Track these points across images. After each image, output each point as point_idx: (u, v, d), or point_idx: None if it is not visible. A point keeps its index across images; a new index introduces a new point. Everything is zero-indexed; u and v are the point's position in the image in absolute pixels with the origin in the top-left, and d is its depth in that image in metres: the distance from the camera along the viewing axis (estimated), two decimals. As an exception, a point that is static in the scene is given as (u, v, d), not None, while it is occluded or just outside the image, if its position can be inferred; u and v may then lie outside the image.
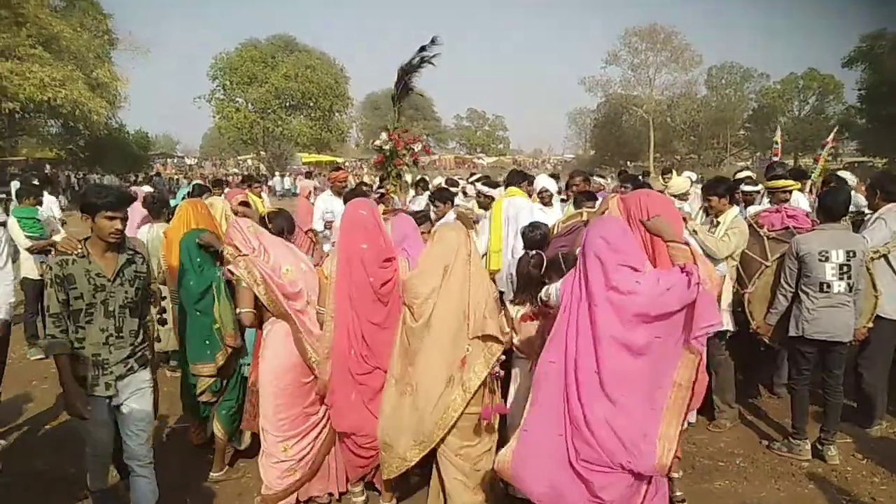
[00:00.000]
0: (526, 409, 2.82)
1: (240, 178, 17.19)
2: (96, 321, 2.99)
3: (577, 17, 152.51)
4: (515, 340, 3.56)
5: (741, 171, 8.15)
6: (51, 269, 2.94)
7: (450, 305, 3.27)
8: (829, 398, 4.35)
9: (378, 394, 3.52)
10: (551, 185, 6.25)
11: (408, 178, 7.92)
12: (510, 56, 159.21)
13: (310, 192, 9.73)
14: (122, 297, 3.04)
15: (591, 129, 62.64)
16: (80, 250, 2.97)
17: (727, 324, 4.54)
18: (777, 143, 9.68)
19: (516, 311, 3.65)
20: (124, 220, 3.01)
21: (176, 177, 36.40)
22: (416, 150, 7.51)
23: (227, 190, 8.08)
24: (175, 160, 52.34)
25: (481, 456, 3.36)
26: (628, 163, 52.75)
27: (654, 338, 2.53)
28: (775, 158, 8.10)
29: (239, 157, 53.67)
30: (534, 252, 3.74)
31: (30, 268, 6.91)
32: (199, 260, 4.02)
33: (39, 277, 6.92)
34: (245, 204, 5.35)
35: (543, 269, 3.56)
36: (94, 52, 27.91)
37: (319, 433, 3.71)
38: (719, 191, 4.78)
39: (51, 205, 8.22)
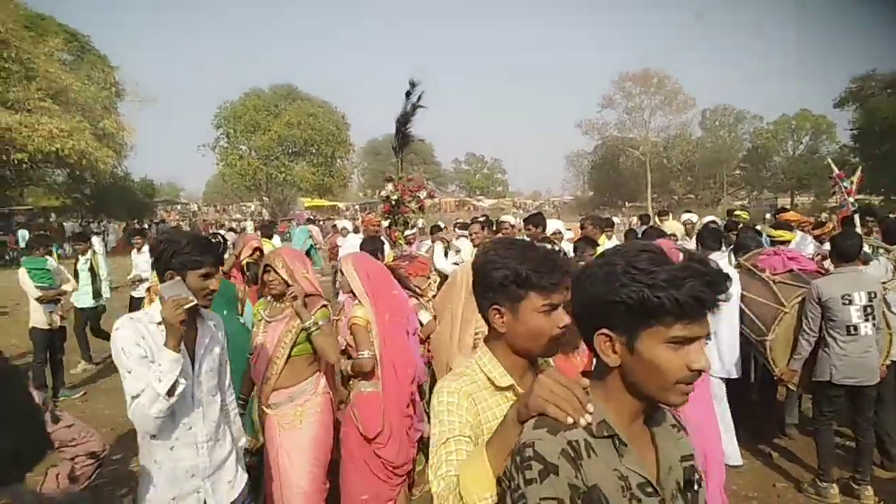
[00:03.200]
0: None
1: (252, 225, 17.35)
2: None
3: (573, 61, 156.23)
4: None
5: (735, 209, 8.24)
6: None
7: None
8: (862, 439, 4.28)
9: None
10: (562, 228, 6.38)
11: (419, 222, 8.02)
12: (508, 100, 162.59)
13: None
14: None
15: (589, 170, 63.43)
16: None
17: (732, 372, 4.57)
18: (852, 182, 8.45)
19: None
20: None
21: (180, 222, 36.64)
22: (421, 197, 7.62)
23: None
24: (179, 207, 52.75)
25: None
26: (626, 203, 53.24)
27: None
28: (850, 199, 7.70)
29: (242, 203, 54.16)
30: None
31: (39, 317, 6.91)
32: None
33: (48, 327, 6.93)
34: (259, 251, 5.38)
35: None
36: (101, 103, 28.43)
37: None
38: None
39: (97, 246, 8.35)
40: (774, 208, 16.25)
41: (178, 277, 2.25)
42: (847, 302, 4.08)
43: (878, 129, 39.78)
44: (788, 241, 5.49)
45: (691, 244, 6.66)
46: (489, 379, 1.57)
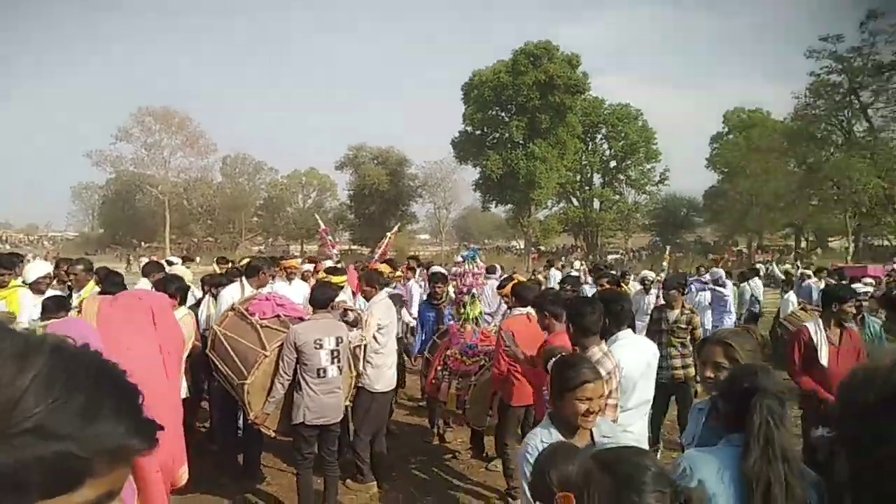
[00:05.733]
0: None
1: None
2: None
3: (81, 85, 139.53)
4: None
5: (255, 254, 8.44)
6: None
7: None
8: (332, 473, 4.63)
9: None
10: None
11: None
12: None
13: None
14: None
15: (100, 205, 57.40)
16: None
17: None
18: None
19: None
20: None
21: None
22: None
23: None
24: None
25: None
26: (143, 243, 49.90)
27: None
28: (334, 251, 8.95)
29: None
30: None
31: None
32: None
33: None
34: None
35: None
36: None
37: None
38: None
39: None
40: (288, 254, 17.65)
41: None
42: (318, 346, 4.40)
43: (367, 193, 47.84)
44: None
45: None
46: None
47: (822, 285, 9.95)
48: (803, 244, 45.88)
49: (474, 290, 5.36)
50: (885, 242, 38.80)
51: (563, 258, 42.27)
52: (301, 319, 4.73)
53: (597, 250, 49.39)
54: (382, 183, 47.54)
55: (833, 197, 35.04)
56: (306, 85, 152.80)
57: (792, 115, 36.33)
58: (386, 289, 5.68)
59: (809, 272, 12.56)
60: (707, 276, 10.36)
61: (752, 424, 1.91)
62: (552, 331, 4.02)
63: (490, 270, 9.30)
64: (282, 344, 4.41)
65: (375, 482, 5.15)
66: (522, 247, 48.35)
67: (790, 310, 8.71)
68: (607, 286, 6.70)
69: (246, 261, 6.88)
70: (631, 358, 3.48)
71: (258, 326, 4.64)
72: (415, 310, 7.81)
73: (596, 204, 50.35)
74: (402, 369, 7.09)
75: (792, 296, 9.70)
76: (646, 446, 3.68)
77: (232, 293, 5.65)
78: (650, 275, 9.37)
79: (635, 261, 41.43)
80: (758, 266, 17.95)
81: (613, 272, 11.45)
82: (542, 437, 2.47)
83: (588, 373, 2.45)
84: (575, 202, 50.96)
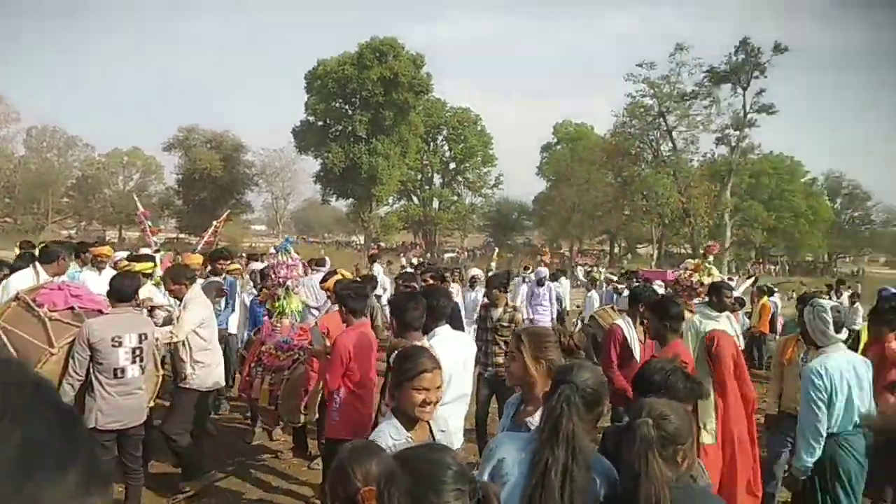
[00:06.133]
0: None
1: None
2: None
3: None
4: None
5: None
6: None
7: None
8: (133, 482, 4.25)
9: None
10: None
11: None
12: None
13: None
14: None
15: None
16: None
17: None
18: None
19: None
20: None
21: None
22: None
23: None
24: None
25: None
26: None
27: None
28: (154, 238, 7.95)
29: None
30: None
31: None
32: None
33: None
34: None
35: None
36: None
37: None
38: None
39: None
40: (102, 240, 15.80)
41: None
42: (117, 344, 4.00)
43: (198, 178, 44.72)
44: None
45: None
46: None
47: (620, 287, 11.07)
48: (616, 249, 50.66)
49: (289, 283, 5.18)
50: (682, 250, 43.95)
51: (401, 255, 42.92)
52: (101, 313, 4.28)
53: (435, 248, 50.68)
54: (215, 168, 44.73)
55: (642, 208, 39.05)
56: (133, 57, 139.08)
57: (611, 131, 39.87)
58: (199, 280, 5.34)
59: (612, 276, 13.88)
60: (532, 276, 11.05)
61: (545, 411, 2.04)
62: (350, 324, 4.03)
63: (319, 263, 9.12)
64: (73, 340, 3.95)
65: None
66: (363, 242, 48.18)
67: (595, 307, 9.59)
68: (431, 281, 6.83)
69: (42, 245, 6.12)
70: (448, 353, 3.58)
71: (46, 319, 4.09)
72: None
73: (435, 203, 51.63)
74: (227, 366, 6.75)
75: (594, 295, 10.70)
76: (460, 439, 3.81)
77: (22, 280, 5.00)
78: (479, 273, 9.81)
79: (470, 260, 43.10)
80: (578, 268, 19.51)
81: (446, 270, 11.78)
82: (391, 432, 2.44)
83: (426, 362, 2.49)
84: (415, 200, 51.85)
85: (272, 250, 5.60)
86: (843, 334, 3.50)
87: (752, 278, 14.74)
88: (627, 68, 38.64)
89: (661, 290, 8.95)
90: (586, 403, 2.03)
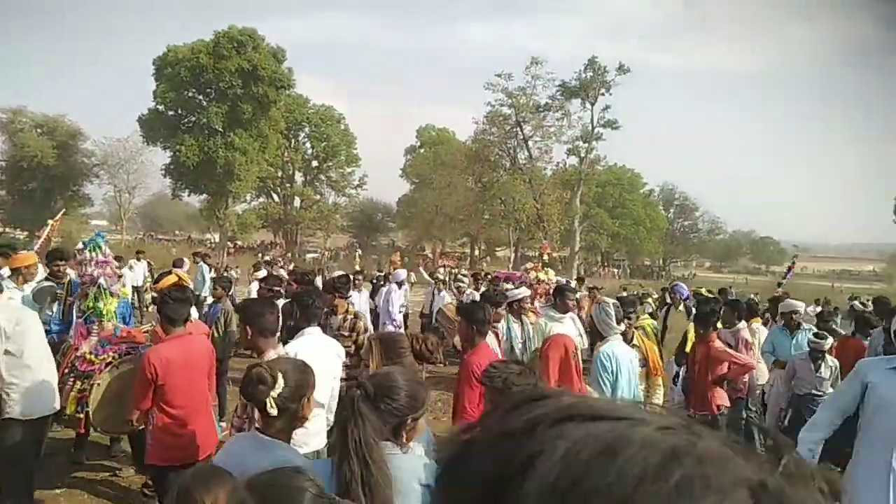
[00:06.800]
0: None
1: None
2: None
3: None
4: None
5: None
6: None
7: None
8: None
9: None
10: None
11: None
12: None
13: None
14: None
15: None
16: None
17: None
18: None
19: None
20: None
21: None
22: None
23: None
24: None
25: None
26: None
27: None
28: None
29: None
30: None
31: None
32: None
33: None
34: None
35: None
36: None
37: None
38: None
39: None
40: None
41: None
42: None
43: (27, 166, 40.24)
44: None
45: None
46: None
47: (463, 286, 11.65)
48: (477, 252, 52.36)
49: (101, 281, 4.79)
50: (536, 253, 46.40)
51: (260, 254, 41.38)
52: None
53: (296, 248, 49.41)
54: (47, 156, 40.45)
55: (500, 213, 40.73)
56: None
57: (472, 137, 41.21)
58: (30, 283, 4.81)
59: (463, 278, 14.35)
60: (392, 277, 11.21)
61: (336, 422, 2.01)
62: (168, 334, 3.83)
63: (176, 264, 9.29)
64: None
65: None
66: (218, 240, 45.82)
67: (445, 302, 10.04)
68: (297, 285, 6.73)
69: None
70: (314, 353, 3.37)
71: None
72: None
73: (297, 202, 50.37)
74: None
75: (446, 295, 11.09)
76: (323, 441, 3.73)
77: None
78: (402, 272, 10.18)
79: (332, 261, 42.52)
80: (439, 270, 19.94)
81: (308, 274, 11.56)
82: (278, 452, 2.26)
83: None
84: (275, 198, 50.27)
85: (80, 245, 5.12)
86: (622, 326, 3.94)
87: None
88: (487, 77, 40.17)
89: (476, 295, 9.53)
90: (372, 400, 1.93)
